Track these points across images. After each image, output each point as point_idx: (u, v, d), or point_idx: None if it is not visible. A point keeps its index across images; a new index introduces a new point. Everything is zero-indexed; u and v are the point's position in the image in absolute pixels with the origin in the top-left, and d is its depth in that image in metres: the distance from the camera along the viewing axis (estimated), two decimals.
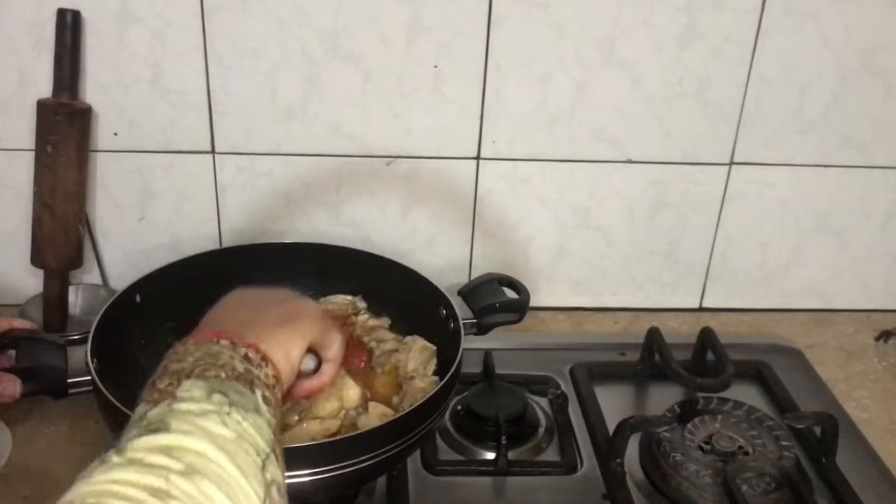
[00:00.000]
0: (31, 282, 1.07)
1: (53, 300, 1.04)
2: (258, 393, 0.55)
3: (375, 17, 0.99)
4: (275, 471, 0.51)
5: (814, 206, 1.15)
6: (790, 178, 1.13)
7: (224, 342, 0.58)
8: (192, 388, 0.52)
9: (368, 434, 0.75)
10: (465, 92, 1.04)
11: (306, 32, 1.00)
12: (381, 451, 0.74)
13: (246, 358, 0.57)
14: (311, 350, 0.70)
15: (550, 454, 0.92)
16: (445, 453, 0.91)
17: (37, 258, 1.03)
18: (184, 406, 0.50)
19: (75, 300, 1.08)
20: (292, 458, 0.70)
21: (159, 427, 0.48)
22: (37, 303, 1.05)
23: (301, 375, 0.70)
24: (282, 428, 0.57)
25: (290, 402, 0.77)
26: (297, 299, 0.71)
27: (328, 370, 0.73)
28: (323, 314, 0.72)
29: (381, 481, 0.86)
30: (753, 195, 1.14)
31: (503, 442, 0.89)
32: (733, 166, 1.12)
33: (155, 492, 0.44)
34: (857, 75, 1.07)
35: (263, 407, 0.54)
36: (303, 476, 0.71)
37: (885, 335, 1.18)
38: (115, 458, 0.46)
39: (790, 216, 1.16)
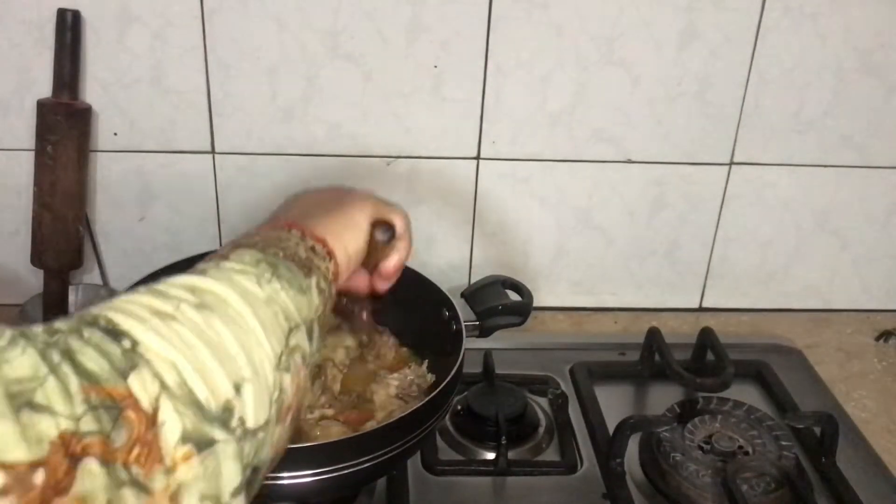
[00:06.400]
0: (31, 281, 1.07)
1: (53, 300, 1.04)
2: (313, 280, 0.55)
3: (375, 17, 0.99)
4: (302, 339, 0.51)
5: (813, 206, 1.15)
6: (790, 177, 1.13)
7: (295, 232, 0.59)
8: (243, 255, 0.53)
9: (369, 435, 0.75)
10: (465, 92, 1.04)
11: (306, 32, 1.00)
12: (382, 452, 0.74)
13: (312, 249, 0.58)
14: (379, 223, 0.69)
15: (550, 454, 0.93)
16: (445, 453, 0.91)
17: (37, 258, 1.03)
18: (228, 264, 0.51)
19: (75, 300, 1.07)
20: (294, 458, 0.70)
21: (197, 273, 0.50)
22: (37, 302, 1.05)
23: (378, 248, 0.69)
24: (326, 327, 0.58)
25: (384, 280, 0.73)
26: (350, 191, 0.71)
27: (402, 245, 0.71)
28: (376, 197, 0.71)
29: (382, 481, 0.86)
30: (753, 195, 1.14)
31: (503, 442, 0.89)
32: (733, 166, 1.12)
33: (159, 313, 0.44)
34: (857, 75, 1.07)
35: (315, 293, 0.55)
36: (304, 476, 0.71)
37: (884, 335, 1.18)
38: (142, 288, 0.47)
39: (790, 216, 1.16)
